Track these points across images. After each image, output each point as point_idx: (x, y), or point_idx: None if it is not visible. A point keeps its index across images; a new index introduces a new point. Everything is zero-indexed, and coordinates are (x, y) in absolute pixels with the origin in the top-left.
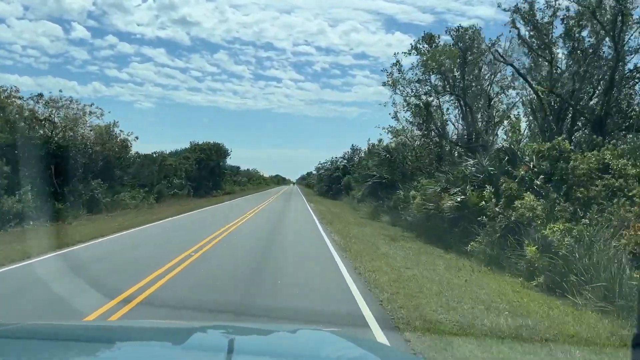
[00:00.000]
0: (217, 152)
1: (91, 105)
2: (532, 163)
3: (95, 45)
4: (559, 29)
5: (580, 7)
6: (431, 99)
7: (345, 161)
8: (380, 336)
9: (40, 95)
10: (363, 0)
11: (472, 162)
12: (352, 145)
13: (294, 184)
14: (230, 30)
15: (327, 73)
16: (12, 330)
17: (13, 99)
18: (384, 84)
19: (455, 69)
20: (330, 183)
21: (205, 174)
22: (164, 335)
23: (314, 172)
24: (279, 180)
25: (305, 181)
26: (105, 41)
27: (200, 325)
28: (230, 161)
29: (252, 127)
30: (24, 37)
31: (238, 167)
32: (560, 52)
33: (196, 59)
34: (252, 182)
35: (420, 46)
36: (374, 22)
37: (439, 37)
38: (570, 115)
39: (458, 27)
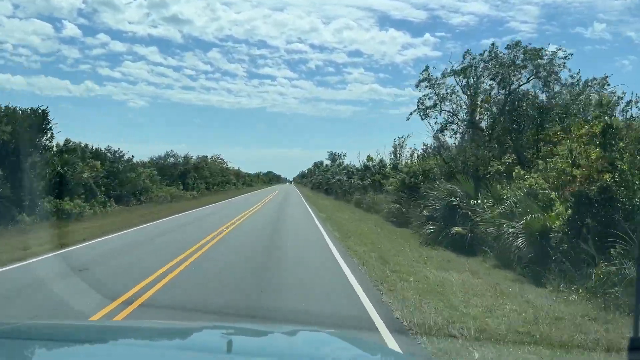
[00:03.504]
0: None
1: None
2: None
3: (87, 43)
4: None
5: None
6: None
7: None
8: None
9: None
10: None
11: None
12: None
13: (290, 182)
14: (223, 28)
15: (321, 71)
16: (10, 330)
17: None
18: None
19: None
20: None
21: None
22: (163, 335)
23: (326, 161)
24: (270, 179)
25: (307, 179)
26: (97, 39)
27: (199, 325)
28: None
29: (246, 125)
30: (14, 35)
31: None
32: None
33: (189, 58)
34: (207, 182)
35: None
36: (367, 19)
37: None
38: None
39: None
